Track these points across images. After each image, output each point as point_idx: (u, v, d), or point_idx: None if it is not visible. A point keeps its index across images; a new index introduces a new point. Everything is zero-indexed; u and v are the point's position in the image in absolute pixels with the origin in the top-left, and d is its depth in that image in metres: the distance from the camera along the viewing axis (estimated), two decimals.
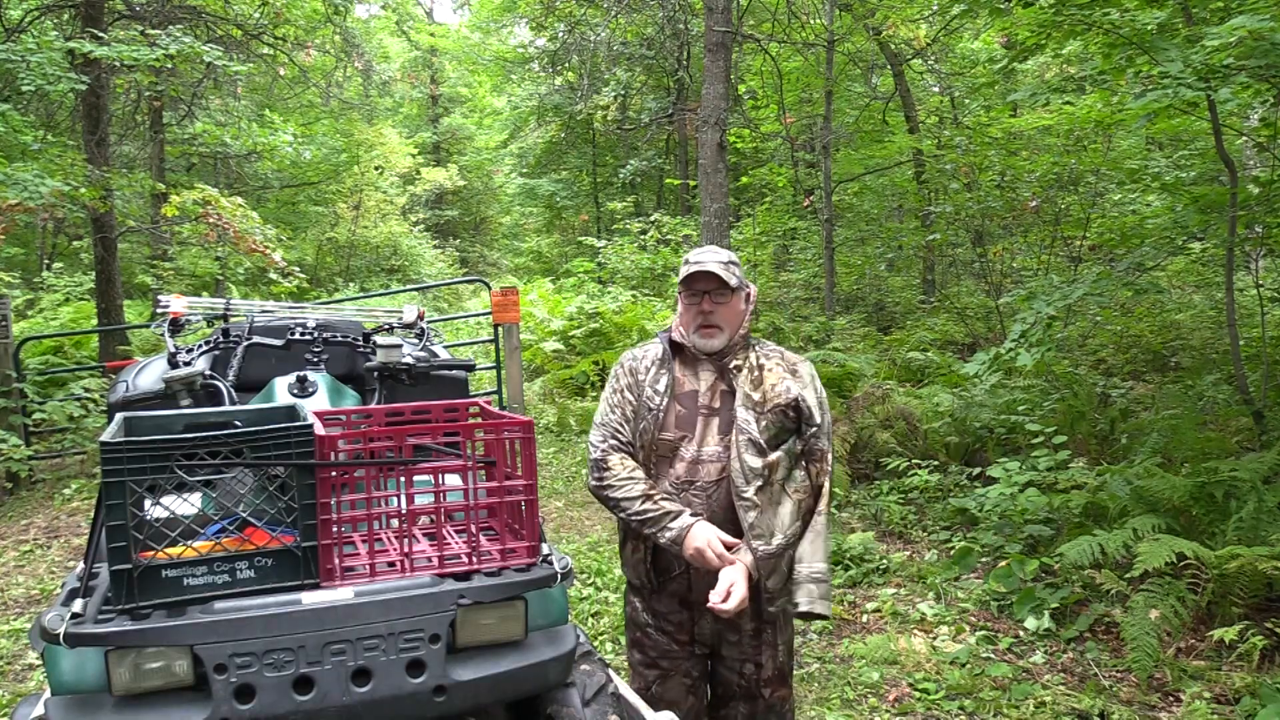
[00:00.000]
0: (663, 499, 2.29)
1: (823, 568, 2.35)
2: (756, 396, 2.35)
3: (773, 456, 2.32)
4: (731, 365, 2.39)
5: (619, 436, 2.39)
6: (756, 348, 2.46)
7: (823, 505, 2.41)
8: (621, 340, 10.96)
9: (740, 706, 2.46)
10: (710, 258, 2.38)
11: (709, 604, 2.22)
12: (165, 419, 1.94)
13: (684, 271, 2.40)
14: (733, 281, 2.35)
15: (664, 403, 2.36)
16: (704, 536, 2.24)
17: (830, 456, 2.43)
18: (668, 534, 2.26)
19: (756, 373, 2.39)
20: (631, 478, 2.32)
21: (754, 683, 2.43)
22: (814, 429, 2.39)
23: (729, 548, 2.26)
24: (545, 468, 7.37)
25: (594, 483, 2.39)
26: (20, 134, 8.53)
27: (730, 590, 2.21)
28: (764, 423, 2.33)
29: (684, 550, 2.25)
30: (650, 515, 2.28)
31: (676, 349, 2.44)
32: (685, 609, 2.41)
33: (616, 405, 2.42)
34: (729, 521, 2.32)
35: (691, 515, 2.27)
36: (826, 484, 2.42)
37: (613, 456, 2.36)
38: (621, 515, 2.34)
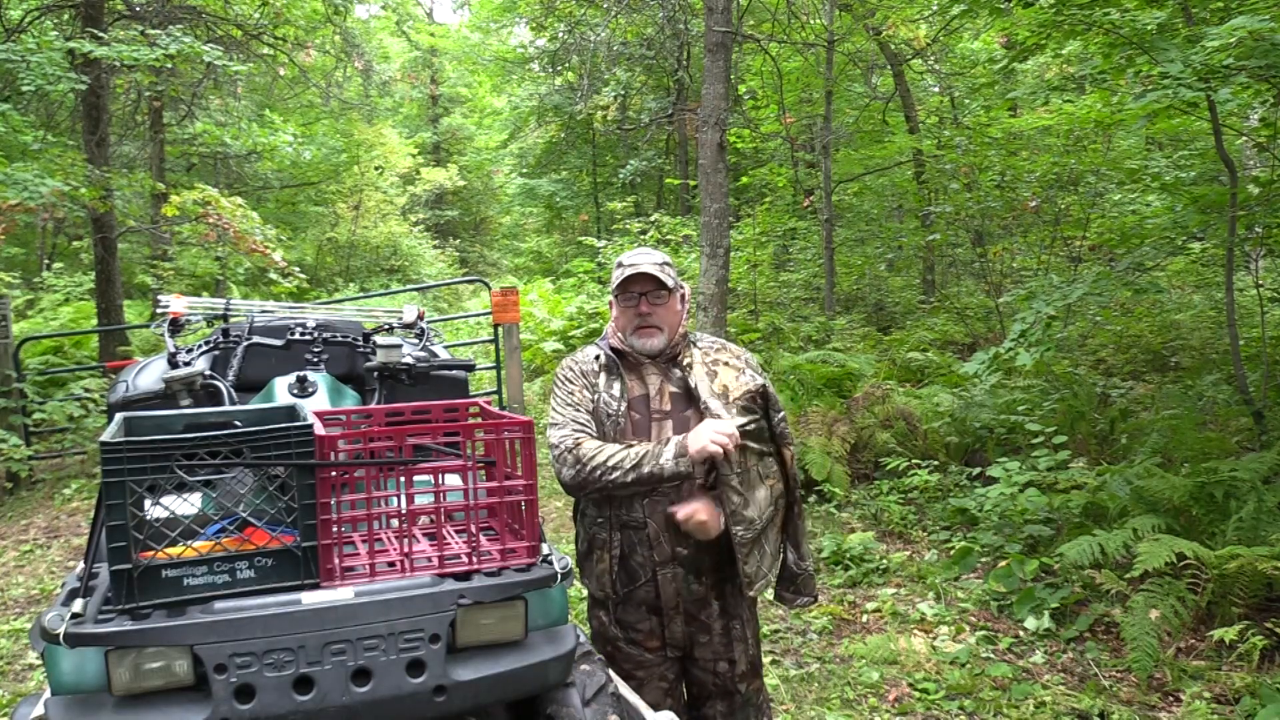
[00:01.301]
0: (633, 446, 2.24)
1: (809, 563, 2.49)
2: (717, 389, 2.37)
3: (753, 445, 2.34)
4: (684, 363, 2.40)
5: (586, 430, 2.32)
6: (698, 344, 2.47)
7: (797, 494, 2.46)
8: None
9: (718, 704, 2.48)
10: (645, 260, 2.37)
11: (672, 511, 2.26)
12: (165, 419, 1.94)
13: (618, 275, 2.39)
14: (669, 282, 2.36)
15: (621, 408, 2.35)
16: (706, 432, 2.17)
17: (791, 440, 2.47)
18: (667, 459, 2.18)
19: (710, 368, 2.41)
20: (607, 446, 2.25)
21: (728, 679, 2.45)
22: (780, 414, 2.41)
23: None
24: (545, 468, 7.37)
25: (570, 472, 2.26)
26: (20, 134, 8.53)
27: (694, 510, 2.25)
28: (733, 411, 2.34)
29: (695, 455, 2.17)
30: (640, 456, 2.20)
31: (618, 355, 2.44)
32: (654, 615, 2.40)
33: (578, 404, 2.36)
34: (723, 507, 2.31)
35: (678, 438, 2.22)
36: (795, 471, 2.46)
37: (586, 442, 2.27)
38: (613, 480, 2.21)
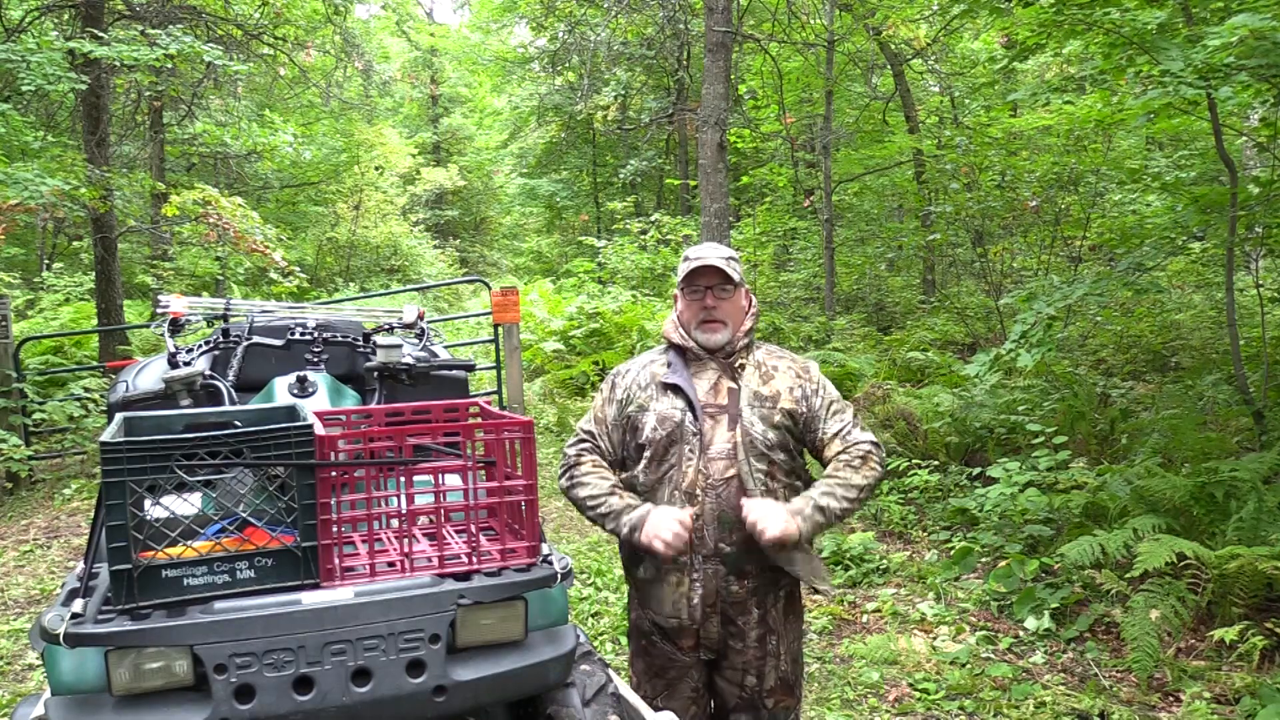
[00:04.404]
0: (620, 495, 2.30)
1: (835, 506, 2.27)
2: (767, 392, 2.34)
3: (778, 457, 2.32)
4: (737, 364, 2.38)
5: (594, 443, 2.42)
6: (758, 349, 2.45)
7: (864, 473, 2.30)
8: (621, 340, 10.96)
9: (743, 717, 2.43)
10: (711, 253, 2.36)
11: (757, 531, 2.16)
12: (165, 419, 1.94)
13: (684, 268, 2.38)
14: (735, 276, 2.35)
15: (683, 417, 2.33)
16: (656, 524, 2.20)
17: (870, 445, 2.34)
18: (624, 526, 2.25)
19: (768, 370, 2.39)
20: (598, 471, 2.35)
21: (755, 694, 2.39)
22: (836, 419, 2.35)
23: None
24: (545, 468, 7.37)
25: (564, 483, 2.41)
26: (21, 134, 8.52)
27: (758, 519, 2.16)
28: (776, 419, 2.32)
29: (641, 539, 2.22)
30: (609, 509, 2.28)
31: (677, 352, 2.42)
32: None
33: (600, 418, 2.45)
34: (739, 520, 2.27)
35: (643, 510, 2.25)
36: (875, 464, 2.33)
37: (584, 463, 2.38)
38: (587, 515, 2.34)
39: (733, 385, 2.35)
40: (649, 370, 2.43)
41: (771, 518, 2.16)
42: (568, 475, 2.40)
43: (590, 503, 2.32)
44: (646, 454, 2.34)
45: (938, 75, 13.30)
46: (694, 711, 2.43)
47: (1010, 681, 3.70)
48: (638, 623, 2.46)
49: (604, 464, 2.39)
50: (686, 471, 2.29)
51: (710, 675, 2.45)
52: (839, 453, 2.32)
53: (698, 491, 2.28)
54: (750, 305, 2.45)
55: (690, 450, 2.30)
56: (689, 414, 2.32)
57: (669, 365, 2.40)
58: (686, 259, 2.40)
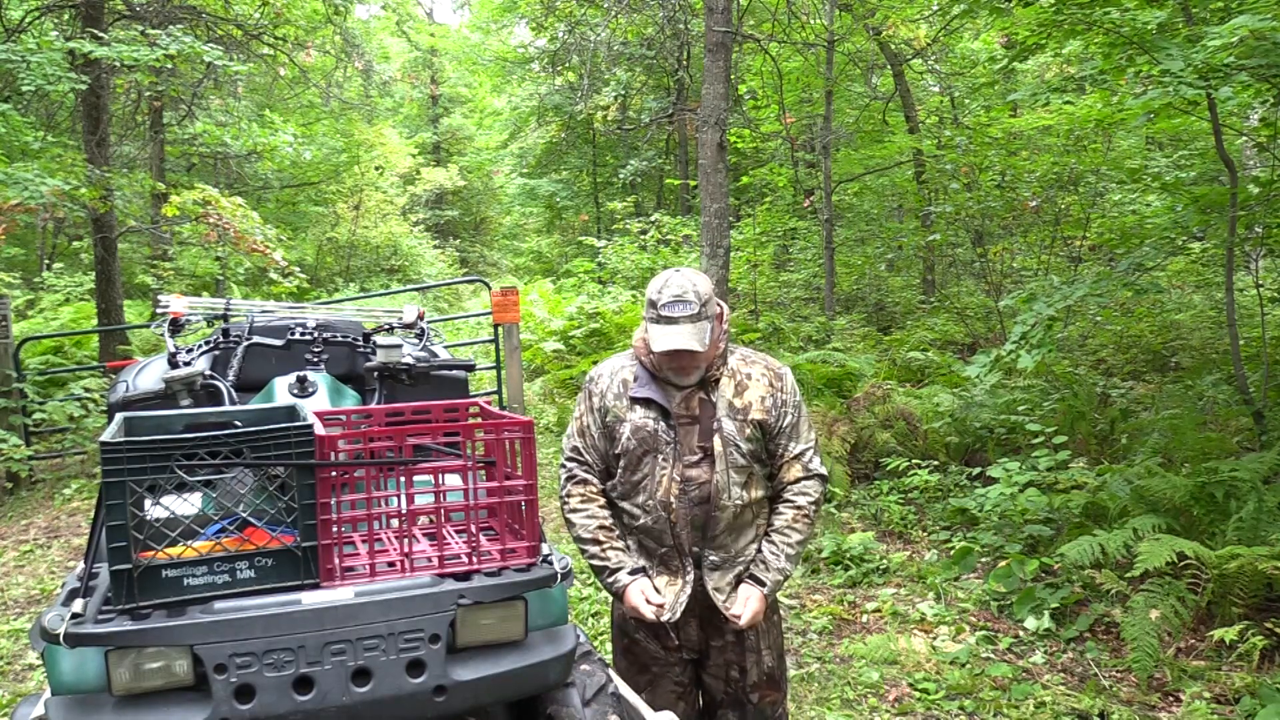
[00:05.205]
0: (610, 548, 2.35)
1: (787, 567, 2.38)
2: (739, 404, 2.35)
3: (755, 467, 2.35)
4: (712, 379, 2.37)
5: (583, 461, 2.43)
6: (731, 355, 2.43)
7: (805, 528, 2.38)
8: (621, 340, 10.96)
9: (729, 714, 2.47)
10: (681, 314, 2.22)
11: (730, 617, 2.31)
12: (165, 419, 1.94)
13: (656, 337, 2.25)
14: (702, 346, 2.24)
15: (654, 426, 2.34)
16: (634, 598, 2.30)
17: (821, 485, 2.41)
18: (615, 581, 2.34)
19: (742, 379, 2.39)
20: (585, 509, 2.38)
21: (740, 689, 2.44)
22: (797, 441, 2.40)
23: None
24: (545, 468, 7.37)
25: (560, 504, 2.48)
26: (21, 134, 8.52)
27: (746, 604, 2.30)
28: (748, 431, 2.33)
29: (624, 605, 2.34)
30: (595, 562, 2.36)
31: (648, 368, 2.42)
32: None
33: (583, 429, 2.45)
34: (709, 528, 2.33)
35: (628, 574, 2.32)
36: (814, 491, 2.40)
37: (575, 493, 2.41)
38: (578, 546, 2.41)
39: (703, 396, 2.36)
40: (619, 379, 2.42)
41: (752, 612, 2.31)
42: (562, 498, 2.45)
43: (579, 545, 2.40)
44: (622, 463, 2.36)
45: (938, 75, 13.29)
46: (682, 707, 2.46)
47: (1010, 681, 3.70)
48: (621, 622, 2.49)
49: (592, 488, 2.41)
50: (661, 480, 2.32)
51: (697, 672, 2.49)
52: (795, 481, 2.38)
53: (671, 499, 2.31)
54: (722, 323, 2.38)
55: (664, 459, 2.32)
56: (662, 423, 2.33)
57: (636, 378, 2.39)
58: (653, 304, 2.27)
